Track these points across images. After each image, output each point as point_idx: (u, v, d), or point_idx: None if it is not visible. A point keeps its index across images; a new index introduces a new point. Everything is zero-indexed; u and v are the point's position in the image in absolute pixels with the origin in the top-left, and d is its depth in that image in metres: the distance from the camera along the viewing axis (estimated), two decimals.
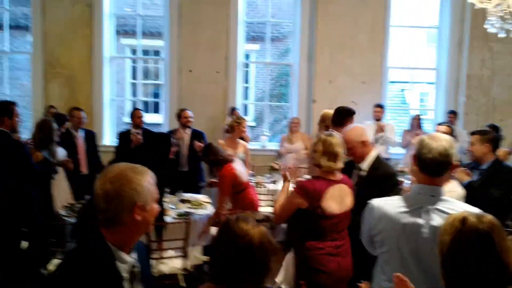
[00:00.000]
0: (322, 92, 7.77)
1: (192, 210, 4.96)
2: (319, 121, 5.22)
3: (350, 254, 3.15)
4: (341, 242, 3.09)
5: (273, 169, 6.69)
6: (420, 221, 2.15)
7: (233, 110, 7.26)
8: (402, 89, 15.57)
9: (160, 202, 3.75)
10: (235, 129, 5.76)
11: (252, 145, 7.02)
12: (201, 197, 5.55)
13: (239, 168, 4.78)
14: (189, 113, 6.43)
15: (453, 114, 7.42)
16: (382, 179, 3.21)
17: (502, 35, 4.28)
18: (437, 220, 2.11)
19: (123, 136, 6.38)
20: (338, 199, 3.04)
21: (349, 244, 3.15)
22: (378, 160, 3.34)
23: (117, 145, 6.46)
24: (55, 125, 4.92)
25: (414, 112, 8.65)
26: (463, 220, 1.65)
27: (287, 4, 9.33)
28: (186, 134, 6.43)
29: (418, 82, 13.31)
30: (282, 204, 3.21)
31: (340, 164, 3.06)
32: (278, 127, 12.48)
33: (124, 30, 11.53)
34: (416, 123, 7.42)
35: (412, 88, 12.46)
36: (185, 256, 4.26)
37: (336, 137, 3.12)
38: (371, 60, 7.78)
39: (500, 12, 4.15)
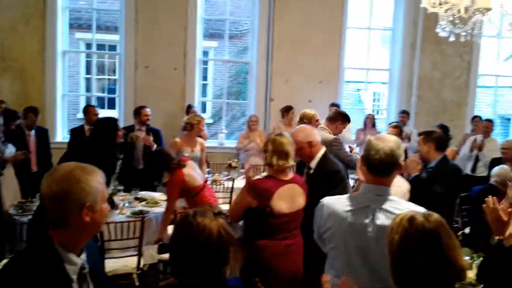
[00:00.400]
0: (279, 91, 7.84)
1: (147, 208, 4.89)
2: (298, 120, 5.23)
3: (301, 253, 3.18)
4: (291, 241, 3.10)
5: (230, 167, 6.68)
6: (366, 220, 2.19)
7: (189, 108, 7.19)
8: (358, 89, 15.94)
9: (108, 183, 3.72)
10: (194, 127, 5.72)
11: (209, 143, 7.00)
12: (157, 195, 5.47)
13: (191, 173, 4.69)
14: (148, 110, 6.32)
15: (405, 114, 7.65)
16: (327, 176, 3.29)
17: (452, 39, 4.44)
18: (382, 219, 2.16)
19: (76, 132, 6.20)
20: (288, 198, 3.05)
21: (301, 242, 3.18)
22: (325, 158, 3.41)
23: (69, 141, 6.27)
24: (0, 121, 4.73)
25: (369, 111, 8.86)
26: (411, 219, 1.69)
27: (246, 2, 9.35)
28: (142, 132, 6.32)
29: (373, 82, 13.66)
30: (235, 202, 3.25)
31: (291, 162, 3.08)
32: (236, 125, 12.48)
33: (78, 24, 11.21)
34: (370, 122, 7.62)
35: (367, 88, 12.77)
36: (139, 255, 4.19)
37: (286, 137, 3.14)
38: (327, 60, 7.90)
39: (450, 17, 4.31)
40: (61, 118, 7.75)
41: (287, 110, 7.32)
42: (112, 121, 4.67)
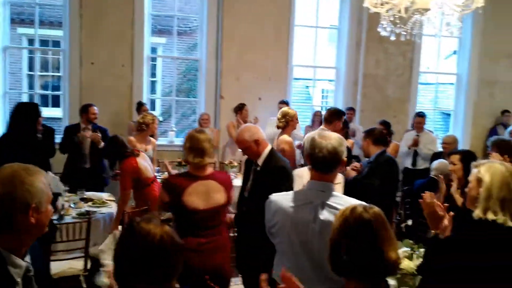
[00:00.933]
0: (230, 88, 7.85)
1: (94, 209, 4.79)
2: (279, 118, 5.06)
3: (224, 251, 3.21)
4: (206, 239, 3.07)
5: (180, 165, 6.64)
6: (310, 215, 2.27)
7: (141, 105, 7.07)
8: (307, 86, 16.19)
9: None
10: (149, 126, 5.67)
11: (159, 141, 6.92)
12: (104, 195, 5.36)
13: (143, 163, 4.70)
14: (95, 109, 6.17)
15: (351, 110, 7.88)
16: (275, 172, 3.33)
17: (393, 38, 4.60)
18: (325, 214, 2.24)
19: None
20: (202, 194, 3.05)
21: (223, 241, 3.20)
22: (272, 155, 3.46)
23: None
24: None
25: (317, 108, 9.03)
26: (352, 209, 1.77)
27: None
28: (89, 130, 6.16)
29: (321, 80, 13.92)
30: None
31: (207, 160, 3.10)
32: (187, 122, 12.39)
33: (20, 19, 10.76)
34: (317, 119, 7.77)
35: (315, 86, 13.00)
36: (86, 257, 4.10)
37: (204, 134, 3.17)
38: (276, 57, 7.99)
39: (391, 17, 4.47)
40: (2, 116, 7.42)
41: (240, 108, 7.36)
42: (33, 106, 4.90)
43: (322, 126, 5.20)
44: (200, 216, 3.05)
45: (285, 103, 7.52)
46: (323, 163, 2.28)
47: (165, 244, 1.68)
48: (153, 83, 12.35)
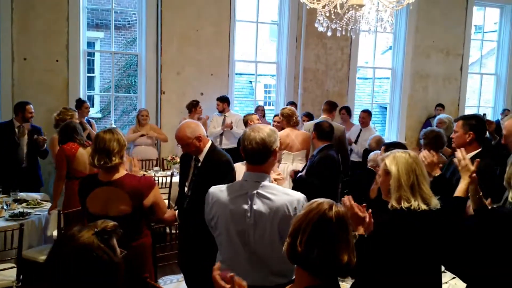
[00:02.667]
0: (171, 83, 7.75)
1: (28, 210, 4.61)
2: (280, 115, 5.90)
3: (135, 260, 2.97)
4: None
5: (170, 162, 6.64)
6: (245, 206, 2.33)
7: (82, 103, 6.81)
8: (250, 81, 16.28)
9: None
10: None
11: None
12: (38, 196, 5.16)
13: (85, 158, 4.55)
14: (31, 107, 5.94)
15: (293, 105, 8.00)
16: (219, 166, 3.33)
17: (329, 33, 4.72)
18: (258, 204, 2.31)
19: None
20: (101, 202, 2.90)
21: (135, 250, 2.96)
22: (212, 150, 3.46)
23: None
24: None
25: (260, 103, 9.10)
26: (319, 204, 1.78)
27: None
28: (26, 129, 5.91)
29: (263, 75, 14.04)
30: None
31: (116, 160, 2.90)
32: (127, 119, 12.11)
33: None
34: (260, 113, 7.85)
35: (258, 81, 13.04)
36: (19, 266, 3.91)
37: (111, 133, 2.96)
38: (218, 52, 7.96)
39: (327, 12, 4.58)
40: None
41: (194, 106, 7.28)
42: None
43: (322, 115, 6.42)
44: None
45: (224, 99, 7.49)
46: (253, 154, 2.36)
47: (87, 258, 1.60)
48: (91, 79, 11.96)
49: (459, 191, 2.71)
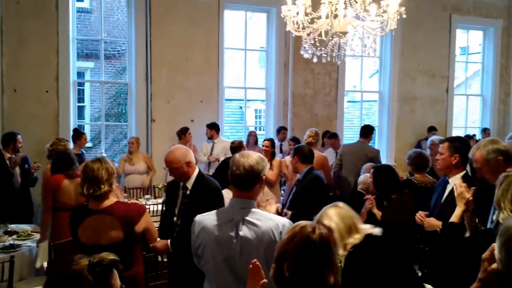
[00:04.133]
0: (161, 111, 7.80)
1: (19, 242, 4.57)
2: (307, 138, 6.41)
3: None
4: None
5: (161, 189, 6.61)
6: (231, 232, 2.35)
7: (81, 134, 6.86)
8: (240, 106, 16.40)
9: None
10: None
11: None
12: (29, 228, 5.12)
13: (72, 188, 4.53)
14: (20, 137, 5.98)
15: (284, 130, 8.07)
16: (208, 194, 3.35)
17: (315, 60, 4.83)
18: (245, 230, 2.33)
19: None
20: (93, 230, 2.89)
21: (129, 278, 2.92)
22: (201, 177, 3.48)
23: None
24: None
25: (251, 128, 9.16)
26: (302, 227, 1.80)
27: (122, 22, 9.19)
28: (16, 160, 5.93)
29: (253, 100, 14.16)
30: None
31: (104, 188, 2.90)
32: (118, 147, 12.11)
33: None
34: (252, 139, 7.90)
35: (248, 106, 13.17)
36: None
37: (99, 162, 2.97)
38: (207, 80, 8.05)
39: (312, 40, 4.69)
40: None
41: (183, 132, 7.32)
42: None
43: (360, 139, 6.89)
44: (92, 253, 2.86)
45: (213, 125, 7.52)
46: (240, 180, 2.38)
47: None
48: (81, 109, 11.98)
49: (455, 216, 2.78)
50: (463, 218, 2.86)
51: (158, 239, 3.33)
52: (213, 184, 3.48)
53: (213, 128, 7.52)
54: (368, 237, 2.41)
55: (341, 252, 2.41)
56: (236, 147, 6.22)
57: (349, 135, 9.83)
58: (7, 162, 5.79)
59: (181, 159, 3.38)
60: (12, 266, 3.85)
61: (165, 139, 7.58)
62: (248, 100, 10.55)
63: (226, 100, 9.36)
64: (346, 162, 6.66)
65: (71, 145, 6.22)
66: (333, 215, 2.45)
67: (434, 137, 6.98)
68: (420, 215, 3.43)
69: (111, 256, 1.71)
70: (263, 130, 9.54)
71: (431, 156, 4.97)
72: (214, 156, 7.35)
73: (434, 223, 3.27)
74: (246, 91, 9.13)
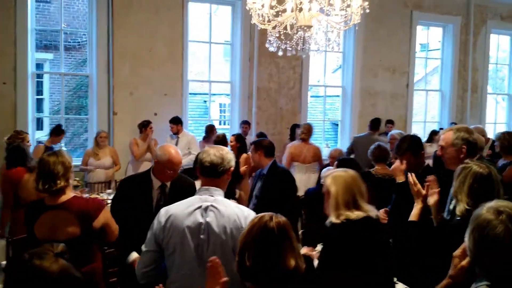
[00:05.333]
0: (123, 104, 7.66)
1: None
2: (301, 133, 6.95)
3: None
4: None
5: (74, 187, 6.33)
6: (199, 219, 2.39)
7: (63, 131, 6.79)
8: (205, 101, 16.30)
9: None
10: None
11: None
12: None
13: (31, 180, 4.40)
14: None
15: (247, 124, 8.08)
16: (183, 191, 3.29)
17: (280, 53, 4.84)
18: (211, 216, 2.38)
19: None
20: (49, 226, 2.83)
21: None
22: (179, 175, 3.42)
23: None
24: None
25: (215, 122, 9.12)
26: (260, 217, 1.87)
27: (83, 13, 8.95)
28: None
29: (217, 94, 14.10)
30: None
31: (60, 183, 2.84)
32: (79, 141, 11.82)
33: None
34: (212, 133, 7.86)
35: (212, 100, 13.09)
36: None
37: (55, 156, 2.88)
38: (171, 73, 7.95)
39: (277, 33, 4.70)
40: None
41: (145, 126, 7.17)
42: None
43: (369, 131, 8.00)
44: None
45: (176, 120, 7.43)
46: (209, 167, 2.48)
47: (64, 283, 1.58)
48: (40, 101, 11.62)
49: (413, 215, 2.86)
50: (423, 214, 2.94)
51: (134, 253, 3.13)
52: (189, 180, 3.47)
53: (178, 123, 7.43)
54: (366, 218, 2.52)
55: (333, 219, 2.53)
56: (220, 141, 6.30)
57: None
58: None
59: (160, 160, 3.26)
60: None
61: (128, 133, 7.45)
62: (213, 94, 10.49)
63: (190, 94, 9.28)
64: (358, 153, 6.94)
65: (30, 137, 6.02)
66: (339, 181, 2.57)
67: (394, 131, 7.17)
68: (382, 214, 3.46)
69: (60, 245, 1.69)
70: (228, 124, 9.53)
71: (391, 150, 5.09)
72: None
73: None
74: (211, 84, 9.07)
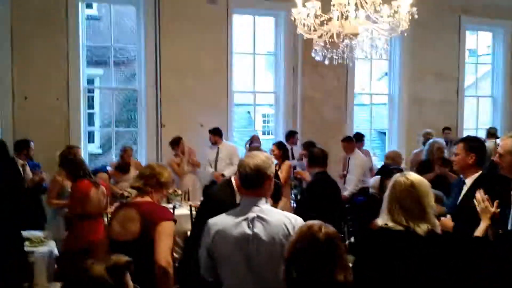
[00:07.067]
0: (171, 116, 7.81)
1: (32, 249, 4.58)
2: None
3: None
4: None
5: (123, 197, 6.51)
6: (247, 230, 2.36)
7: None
8: (248, 111, 16.39)
9: None
10: None
11: None
12: (41, 234, 5.11)
13: (96, 194, 4.61)
14: (33, 144, 6.04)
15: (293, 133, 8.02)
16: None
17: (326, 62, 4.81)
18: (259, 227, 2.35)
19: None
20: (120, 221, 2.93)
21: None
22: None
23: None
24: None
25: (259, 133, 9.15)
26: (309, 227, 1.83)
27: (131, 29, 9.24)
28: (26, 166, 5.95)
29: (261, 105, 14.13)
30: None
31: (136, 184, 3.04)
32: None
33: None
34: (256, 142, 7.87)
35: (256, 111, 13.13)
36: None
37: (157, 165, 3.18)
38: (216, 84, 8.05)
39: (323, 42, 4.67)
40: None
41: (177, 142, 7.20)
42: None
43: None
44: (118, 249, 2.63)
45: (215, 131, 7.46)
46: (247, 179, 2.43)
47: None
48: (90, 115, 12.04)
49: (479, 231, 2.77)
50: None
51: None
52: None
53: (216, 134, 7.44)
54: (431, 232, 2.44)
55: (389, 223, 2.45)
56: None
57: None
58: (20, 169, 5.81)
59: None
60: (32, 276, 3.85)
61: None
62: (256, 105, 10.54)
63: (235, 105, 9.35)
64: None
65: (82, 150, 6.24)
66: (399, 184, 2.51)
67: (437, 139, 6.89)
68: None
69: (123, 258, 1.71)
70: (272, 134, 9.53)
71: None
72: (219, 172, 7.24)
73: (448, 224, 3.21)
74: (255, 95, 9.11)
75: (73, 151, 5.64)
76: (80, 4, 7.43)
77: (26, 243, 4.74)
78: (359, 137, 8.07)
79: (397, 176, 2.58)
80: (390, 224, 2.44)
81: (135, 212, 2.88)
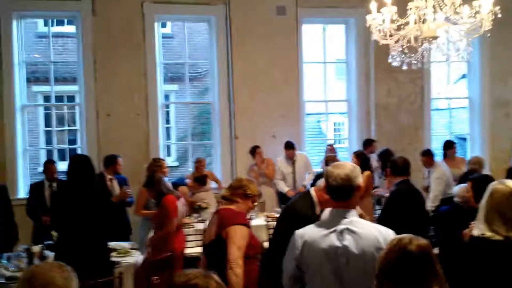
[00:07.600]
0: (244, 128, 7.93)
1: (118, 259, 4.78)
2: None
3: None
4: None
5: (200, 208, 6.67)
6: (336, 243, 2.32)
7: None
8: (318, 121, 16.27)
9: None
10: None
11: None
12: (127, 245, 5.34)
13: (180, 206, 4.85)
14: (121, 160, 6.36)
15: (371, 142, 7.78)
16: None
17: (404, 67, 4.67)
18: (349, 239, 2.30)
19: (35, 188, 6.13)
20: (207, 227, 3.42)
21: None
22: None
23: (28, 197, 6.15)
24: None
25: (330, 142, 9.03)
26: (400, 239, 1.78)
27: (203, 45, 9.52)
28: (114, 180, 6.27)
29: (332, 113, 13.99)
30: None
31: (225, 193, 3.39)
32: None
33: (35, 77, 11.10)
34: (330, 152, 7.75)
35: (328, 119, 13.01)
36: None
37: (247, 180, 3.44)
38: (287, 95, 8.07)
39: (400, 47, 4.54)
40: (22, 173, 7.53)
41: (254, 151, 7.37)
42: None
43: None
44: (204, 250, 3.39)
45: (290, 146, 7.42)
46: (337, 190, 2.38)
47: None
48: (167, 129, 12.52)
49: None
50: None
51: None
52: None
53: (293, 148, 7.38)
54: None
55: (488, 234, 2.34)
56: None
57: (436, 145, 9.35)
58: (108, 184, 6.11)
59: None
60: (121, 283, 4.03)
61: (248, 156, 7.66)
62: (328, 114, 10.46)
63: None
64: None
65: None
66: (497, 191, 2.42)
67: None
68: None
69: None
70: (342, 143, 9.39)
71: None
72: (292, 190, 7.22)
73: None
74: (327, 104, 9.03)
75: (159, 164, 5.88)
76: (156, 24, 7.77)
77: (113, 253, 4.98)
78: (449, 145, 7.57)
79: (494, 184, 2.44)
80: (488, 234, 2.31)
81: (216, 217, 3.27)
